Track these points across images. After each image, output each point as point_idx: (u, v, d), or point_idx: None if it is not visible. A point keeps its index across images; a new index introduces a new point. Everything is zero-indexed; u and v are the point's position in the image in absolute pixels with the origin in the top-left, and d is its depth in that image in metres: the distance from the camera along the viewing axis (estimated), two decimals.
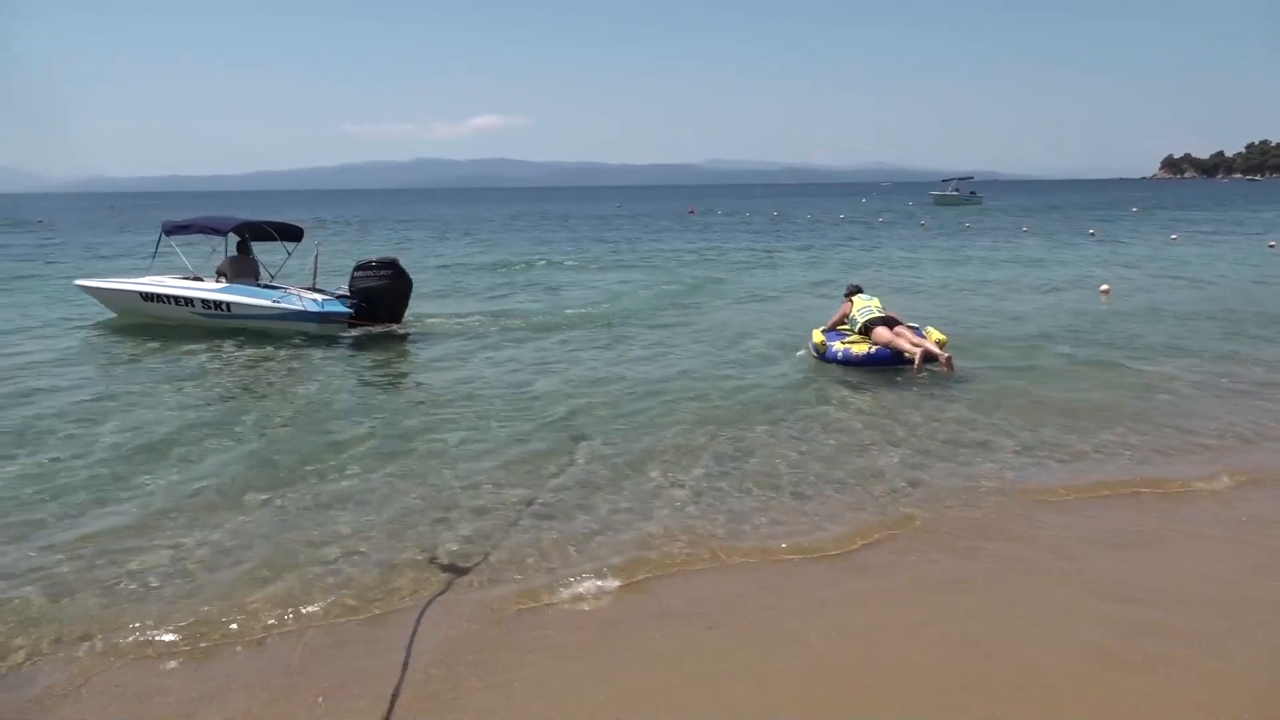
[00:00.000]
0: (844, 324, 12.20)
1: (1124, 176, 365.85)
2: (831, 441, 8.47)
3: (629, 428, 8.99)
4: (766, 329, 14.82)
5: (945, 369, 10.88)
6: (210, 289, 15.08)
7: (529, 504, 6.93)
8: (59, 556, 5.98)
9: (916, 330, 11.52)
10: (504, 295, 20.71)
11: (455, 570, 5.82)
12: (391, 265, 14.88)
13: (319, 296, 14.72)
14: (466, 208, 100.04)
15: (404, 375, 12.14)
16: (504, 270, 27.10)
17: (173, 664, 4.78)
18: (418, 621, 5.13)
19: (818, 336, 12.16)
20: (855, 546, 6.14)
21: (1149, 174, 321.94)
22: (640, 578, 5.69)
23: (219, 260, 16.01)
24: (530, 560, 5.95)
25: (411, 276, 15.18)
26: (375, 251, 24.57)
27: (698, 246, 36.25)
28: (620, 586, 5.58)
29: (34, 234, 48.85)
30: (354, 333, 14.38)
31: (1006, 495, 7.06)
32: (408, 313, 15.30)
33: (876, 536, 6.28)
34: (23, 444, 8.54)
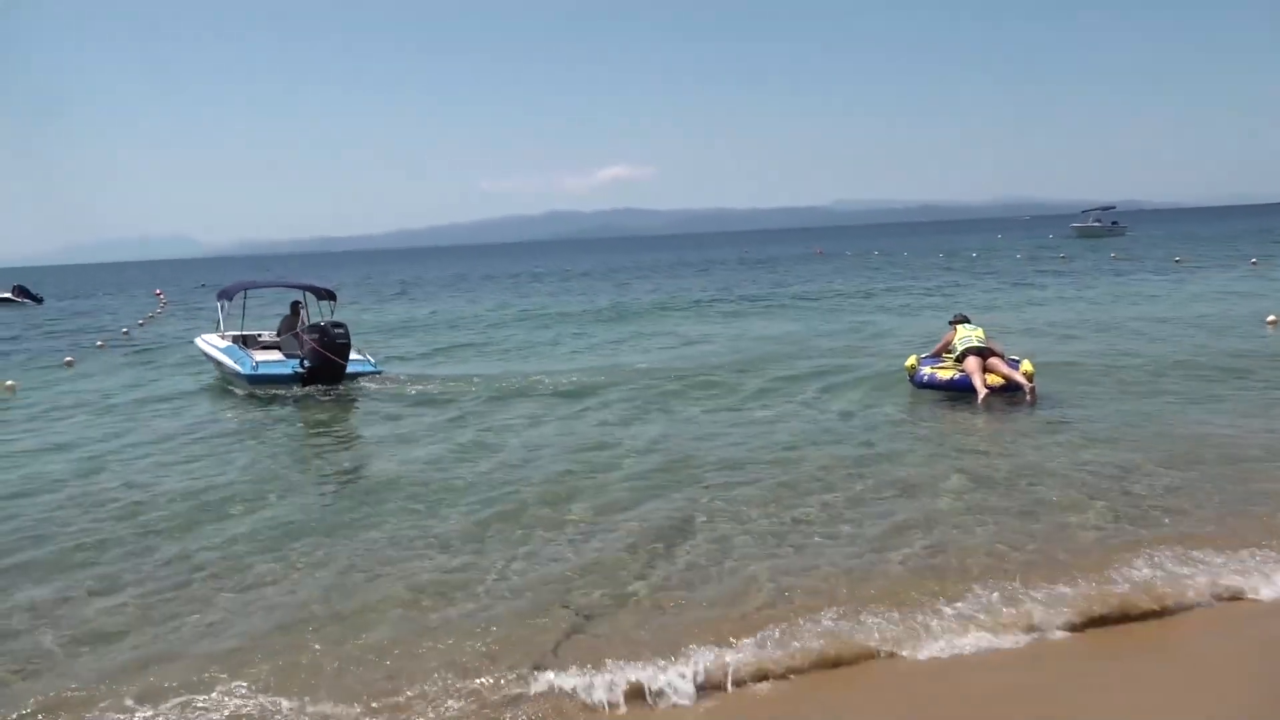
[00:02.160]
0: (948, 351, 12.69)
1: (1277, 201, 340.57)
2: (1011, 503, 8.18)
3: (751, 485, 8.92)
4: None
5: (1029, 398, 11.54)
6: (216, 348, 16.62)
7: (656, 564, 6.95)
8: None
9: (1014, 363, 12.12)
10: (623, 346, 20.94)
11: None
12: (319, 330, 15.01)
13: (263, 359, 15.84)
14: (600, 257, 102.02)
15: (513, 429, 12.17)
16: (632, 319, 27.49)
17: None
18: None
19: (911, 361, 12.93)
20: None
21: None
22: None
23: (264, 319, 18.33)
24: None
25: (348, 340, 15.11)
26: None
27: (823, 288, 35.92)
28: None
29: (201, 296, 52.21)
30: (300, 391, 14.76)
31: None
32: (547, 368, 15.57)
33: None
34: None
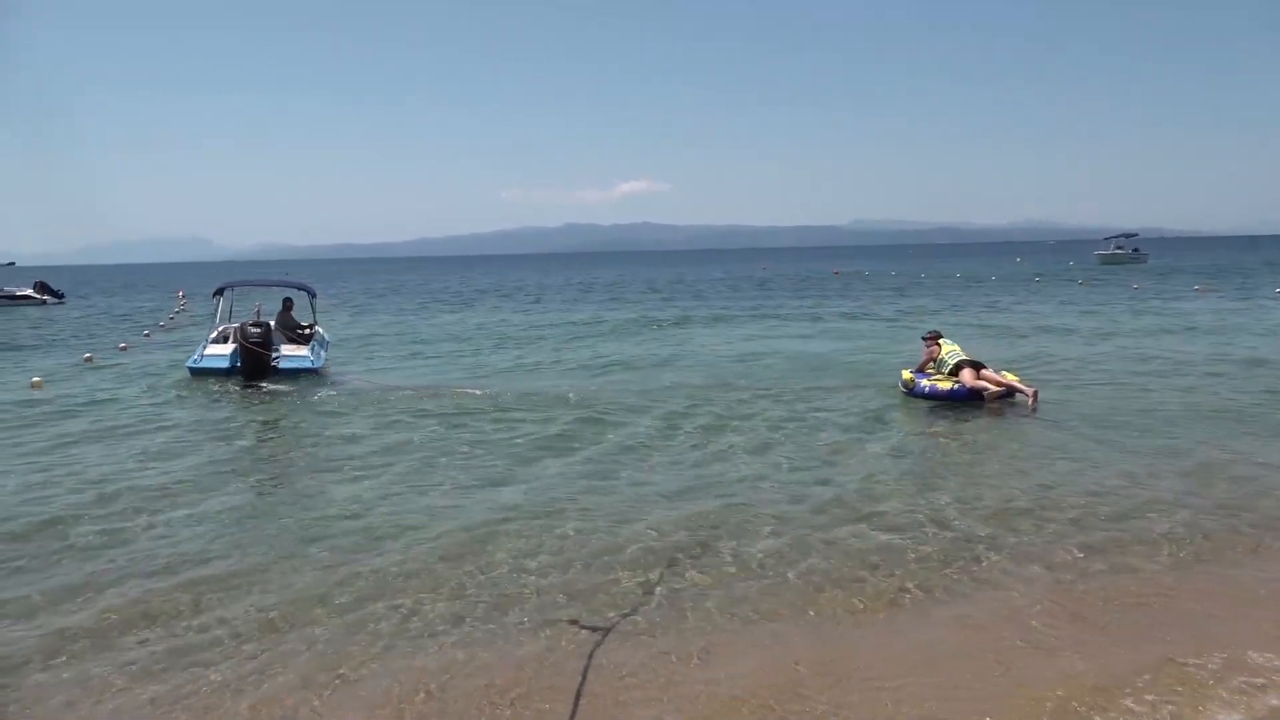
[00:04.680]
0: (931, 365, 13.83)
1: None
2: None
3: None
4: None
5: (1031, 404, 12.60)
6: (202, 344, 18.02)
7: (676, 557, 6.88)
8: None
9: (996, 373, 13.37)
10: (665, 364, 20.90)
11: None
12: (241, 329, 16.60)
13: (210, 352, 17.29)
14: (617, 269, 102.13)
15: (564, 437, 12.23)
16: (648, 328, 27.45)
17: None
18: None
19: (907, 375, 13.99)
20: None
21: None
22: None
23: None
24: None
25: (262, 339, 16.34)
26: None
27: (843, 309, 35.81)
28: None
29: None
30: (237, 385, 16.08)
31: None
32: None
33: None
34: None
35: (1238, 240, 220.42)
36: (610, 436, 11.76)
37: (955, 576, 6.66)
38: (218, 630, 5.93)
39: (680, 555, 7.18)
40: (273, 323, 18.50)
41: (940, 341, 14.06)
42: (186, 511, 8.60)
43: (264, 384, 16.07)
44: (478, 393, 15.46)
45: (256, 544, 7.62)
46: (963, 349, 14.00)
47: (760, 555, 7.16)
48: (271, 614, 6.17)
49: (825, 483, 9.29)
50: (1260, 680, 5.01)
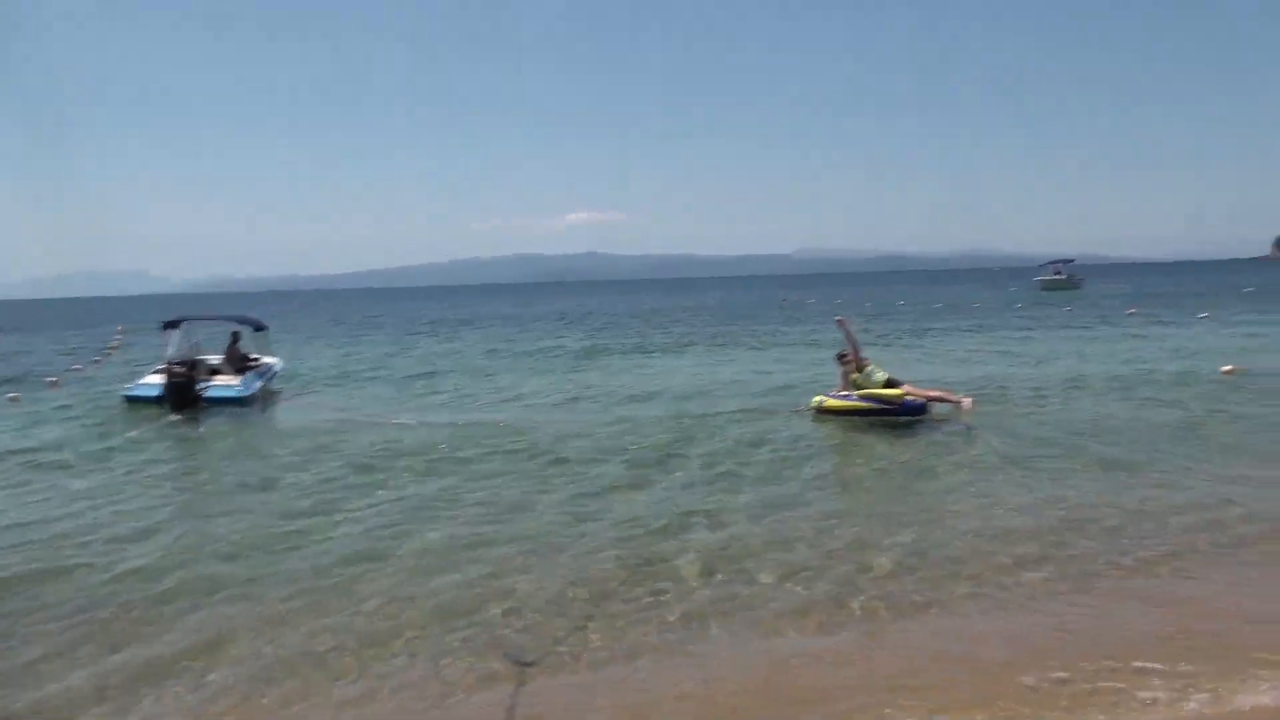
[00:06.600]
0: (859, 372, 14.40)
1: (1236, 257, 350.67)
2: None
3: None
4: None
5: (970, 405, 14.53)
6: (144, 375, 18.88)
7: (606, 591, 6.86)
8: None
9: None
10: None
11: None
12: (166, 365, 17.90)
13: (145, 381, 18.15)
14: (570, 301, 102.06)
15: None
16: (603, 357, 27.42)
17: None
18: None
19: (896, 392, 13.97)
20: None
21: (1261, 254, 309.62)
22: None
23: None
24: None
25: (184, 377, 17.42)
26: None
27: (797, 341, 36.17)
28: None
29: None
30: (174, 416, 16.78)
31: None
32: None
33: None
34: None
35: (1175, 266, 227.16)
36: (538, 466, 11.86)
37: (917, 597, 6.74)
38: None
39: (613, 586, 7.17)
40: (214, 358, 19.40)
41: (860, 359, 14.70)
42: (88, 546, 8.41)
43: (189, 413, 16.87)
44: (409, 424, 15.49)
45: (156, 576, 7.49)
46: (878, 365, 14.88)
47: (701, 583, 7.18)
48: (180, 653, 6.05)
49: (773, 507, 9.36)
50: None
